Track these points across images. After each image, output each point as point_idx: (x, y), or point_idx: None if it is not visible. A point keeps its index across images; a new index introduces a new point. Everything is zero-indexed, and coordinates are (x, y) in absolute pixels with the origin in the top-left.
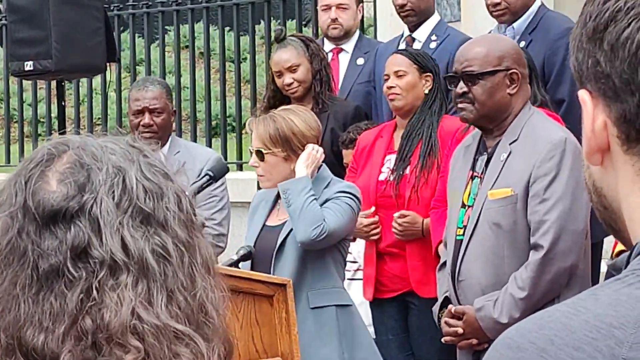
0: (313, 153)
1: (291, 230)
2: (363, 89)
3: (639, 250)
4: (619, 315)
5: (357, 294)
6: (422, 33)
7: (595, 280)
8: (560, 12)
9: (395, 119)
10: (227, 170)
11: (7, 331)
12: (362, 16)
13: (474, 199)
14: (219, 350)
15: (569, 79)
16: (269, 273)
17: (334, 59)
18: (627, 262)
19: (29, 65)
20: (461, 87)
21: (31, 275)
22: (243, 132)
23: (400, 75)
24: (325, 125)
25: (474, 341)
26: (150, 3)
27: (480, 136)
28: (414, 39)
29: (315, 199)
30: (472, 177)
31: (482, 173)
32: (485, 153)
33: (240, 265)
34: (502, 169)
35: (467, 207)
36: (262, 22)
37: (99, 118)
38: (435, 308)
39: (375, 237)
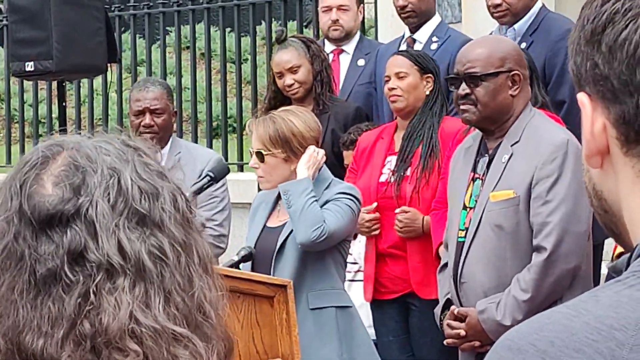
0: (314, 155)
1: (291, 231)
2: (364, 90)
3: (639, 251)
4: (619, 317)
5: (357, 295)
6: (423, 34)
7: (595, 282)
8: (561, 14)
9: (396, 120)
10: (228, 171)
11: (6, 336)
12: (363, 17)
13: (476, 200)
14: (218, 349)
15: (569, 81)
16: (269, 274)
17: (334, 60)
18: (628, 264)
19: (30, 66)
20: (463, 88)
21: (29, 280)
22: (244, 133)
23: (402, 77)
24: (325, 127)
25: (477, 343)
26: (151, 4)
27: (481, 137)
28: (414, 40)
29: (315, 200)
30: (474, 179)
31: (483, 175)
32: (486, 155)
33: (240, 266)
34: (503, 170)
35: (468, 209)
36: (263, 23)
37: (99, 119)
38: (437, 310)
39: (376, 233)
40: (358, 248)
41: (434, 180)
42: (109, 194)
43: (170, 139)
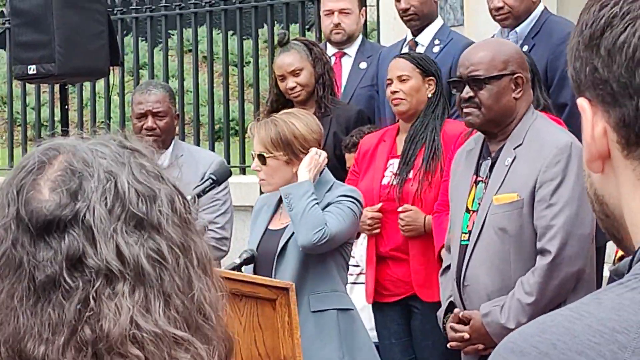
0: (315, 157)
1: (293, 234)
2: (366, 93)
3: None
4: (621, 320)
5: (359, 297)
6: (425, 37)
7: (598, 285)
8: (563, 17)
9: (397, 122)
10: (230, 174)
11: (7, 344)
12: (365, 20)
13: (479, 203)
14: (219, 350)
15: None
16: (271, 277)
17: (336, 62)
18: (630, 267)
19: (32, 69)
20: (467, 91)
21: (28, 287)
22: (246, 136)
23: (404, 80)
24: (327, 129)
25: (480, 346)
26: (153, 7)
27: (483, 140)
28: (417, 43)
29: (317, 203)
30: (476, 182)
31: (486, 178)
32: (489, 157)
33: (243, 269)
34: (507, 173)
35: (471, 212)
36: (265, 26)
37: (102, 121)
38: (440, 313)
39: (376, 232)
40: (360, 250)
41: (436, 183)
42: (106, 198)
43: (173, 142)
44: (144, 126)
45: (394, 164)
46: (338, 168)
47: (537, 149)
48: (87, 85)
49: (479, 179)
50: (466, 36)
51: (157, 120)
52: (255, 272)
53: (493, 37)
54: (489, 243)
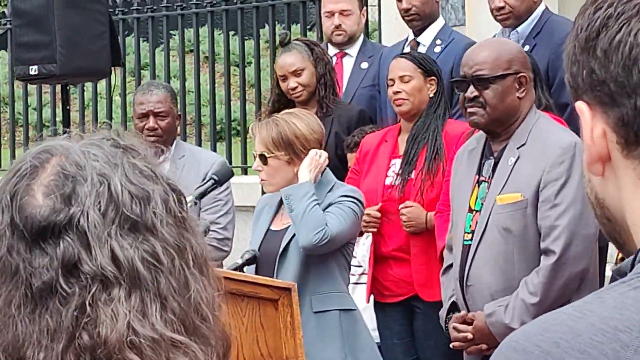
0: (316, 158)
1: (295, 234)
2: (367, 93)
3: None
4: (624, 319)
5: (361, 298)
6: (426, 37)
7: (600, 285)
8: (565, 16)
9: (399, 123)
10: (232, 174)
11: (7, 351)
12: (367, 20)
13: (482, 203)
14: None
15: None
16: (273, 277)
17: (338, 63)
18: (632, 266)
19: (33, 70)
20: (471, 91)
21: (25, 294)
22: (248, 136)
23: (406, 80)
24: (329, 129)
25: (484, 346)
26: (154, 7)
27: (485, 140)
28: (418, 43)
29: (317, 204)
30: (479, 182)
31: (489, 177)
32: (491, 157)
33: (245, 269)
34: (510, 173)
35: (474, 212)
36: (266, 26)
37: (103, 122)
38: (442, 313)
39: (373, 230)
40: (362, 251)
41: (439, 183)
42: (99, 202)
43: (174, 142)
44: (146, 126)
45: (396, 164)
46: (340, 168)
47: (540, 149)
48: (88, 85)
49: (481, 178)
50: (467, 36)
51: (159, 121)
52: (257, 273)
53: (494, 37)
54: (492, 243)
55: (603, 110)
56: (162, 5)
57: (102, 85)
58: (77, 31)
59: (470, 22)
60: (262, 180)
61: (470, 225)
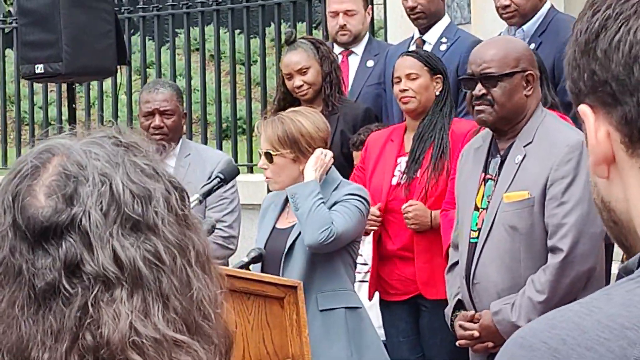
0: (321, 157)
1: (300, 232)
2: (373, 91)
3: None
4: (631, 316)
5: (367, 296)
6: (432, 35)
7: (606, 283)
8: (570, 15)
9: (404, 121)
10: (238, 172)
11: (11, 352)
12: (372, 18)
13: (488, 201)
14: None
15: None
16: (279, 275)
17: (343, 61)
18: (639, 263)
19: (39, 68)
20: (479, 89)
21: (29, 295)
22: (253, 134)
23: (413, 78)
24: (335, 128)
25: (490, 344)
26: (160, 6)
27: (492, 138)
28: (424, 42)
29: (323, 202)
30: (485, 180)
31: (495, 175)
32: (498, 155)
33: (250, 267)
34: (517, 171)
35: (480, 210)
36: (272, 24)
37: (109, 120)
38: (448, 311)
39: (373, 229)
40: (368, 249)
41: (443, 182)
42: (101, 202)
43: (180, 141)
44: (152, 125)
45: (402, 162)
46: (345, 166)
47: (547, 147)
48: (94, 84)
49: (487, 176)
50: (473, 34)
51: (165, 119)
52: (263, 271)
53: (500, 35)
54: (499, 241)
55: (606, 110)
56: (168, 4)
57: (107, 83)
58: (83, 30)
59: (476, 20)
60: (267, 178)
61: (476, 223)
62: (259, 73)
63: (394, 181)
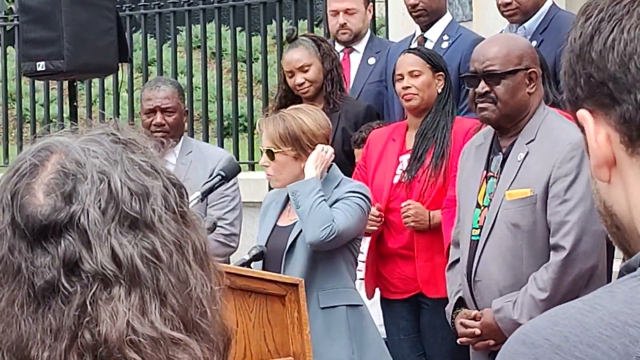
0: (322, 154)
1: (302, 230)
2: (374, 89)
3: None
4: (634, 314)
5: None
6: (434, 33)
7: (608, 281)
8: (572, 12)
9: (406, 119)
10: (239, 170)
11: (11, 351)
12: (374, 16)
13: (490, 199)
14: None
15: None
16: (280, 273)
17: (345, 58)
18: None
19: (41, 66)
20: (482, 86)
21: (28, 293)
22: (255, 132)
23: (416, 75)
24: (336, 125)
25: (491, 342)
26: (162, 3)
27: (493, 135)
28: (425, 39)
29: (324, 199)
30: (487, 177)
31: (497, 173)
32: (500, 153)
33: (252, 265)
34: (519, 169)
35: (482, 207)
36: (273, 22)
37: (111, 118)
38: (449, 309)
39: (373, 229)
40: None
41: (442, 182)
42: (100, 200)
43: (182, 138)
44: (153, 122)
45: (404, 160)
46: (347, 164)
47: (550, 145)
48: (95, 81)
49: (489, 174)
50: (475, 32)
51: (166, 117)
52: (264, 269)
53: (501, 32)
54: (501, 238)
55: (604, 112)
56: (169, 1)
57: (109, 81)
58: (85, 27)
59: (478, 17)
60: (269, 175)
61: (478, 221)
62: (261, 71)
63: (396, 180)
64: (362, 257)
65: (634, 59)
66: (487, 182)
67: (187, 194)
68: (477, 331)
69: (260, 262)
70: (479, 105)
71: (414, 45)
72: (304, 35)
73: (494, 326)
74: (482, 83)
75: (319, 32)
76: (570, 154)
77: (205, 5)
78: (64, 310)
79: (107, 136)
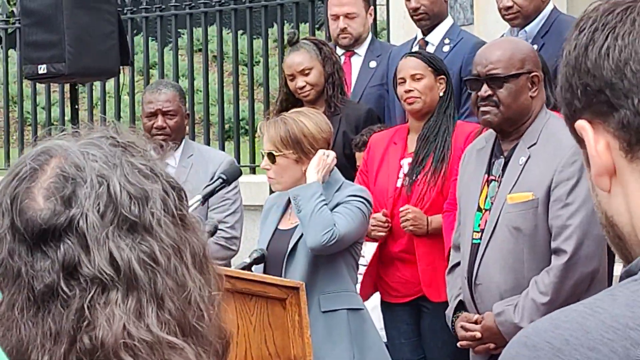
0: (324, 158)
1: (303, 234)
2: (375, 92)
3: None
4: (635, 317)
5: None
6: (435, 36)
7: (609, 285)
8: (573, 16)
9: (407, 122)
10: (240, 173)
11: (12, 355)
12: (375, 19)
13: (491, 202)
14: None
15: None
16: (281, 276)
17: (346, 62)
18: None
19: (42, 69)
20: (485, 90)
21: (28, 297)
22: (256, 135)
23: (418, 78)
24: (337, 128)
25: (492, 345)
26: (163, 6)
27: (495, 139)
28: (427, 43)
29: (325, 204)
30: (489, 181)
31: (499, 176)
32: (501, 156)
33: (253, 268)
34: (521, 172)
35: (483, 211)
36: (275, 25)
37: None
38: (449, 312)
39: (381, 234)
40: (370, 250)
41: (440, 186)
42: (98, 204)
43: (183, 141)
44: (154, 125)
45: (404, 164)
46: (348, 167)
47: (552, 149)
48: (97, 84)
49: (491, 177)
50: (476, 35)
51: (167, 120)
52: (265, 272)
53: (502, 36)
54: (502, 242)
55: (602, 120)
56: (171, 4)
57: (110, 84)
58: (86, 30)
59: (479, 21)
60: (270, 178)
61: (479, 224)
62: (262, 74)
63: (399, 183)
64: (362, 260)
65: (630, 64)
66: (488, 186)
67: (186, 197)
68: (478, 334)
69: (261, 265)
70: (482, 108)
71: (415, 48)
72: (305, 39)
73: (495, 330)
74: (485, 86)
75: (321, 35)
76: (572, 158)
77: (206, 9)
78: (63, 314)
79: (107, 139)
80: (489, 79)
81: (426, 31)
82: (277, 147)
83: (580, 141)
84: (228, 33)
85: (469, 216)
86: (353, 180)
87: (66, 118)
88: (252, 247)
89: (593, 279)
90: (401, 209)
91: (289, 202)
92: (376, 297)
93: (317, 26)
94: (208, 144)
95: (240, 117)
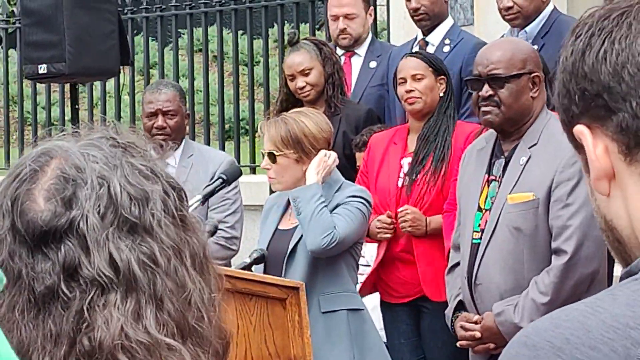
0: (324, 159)
1: (303, 234)
2: (376, 92)
3: None
4: (636, 316)
5: (369, 297)
6: (435, 37)
7: (609, 285)
8: (573, 17)
9: (407, 122)
10: (240, 173)
11: None
12: (375, 19)
13: (492, 202)
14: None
15: None
16: (281, 277)
17: (346, 62)
18: None
19: (42, 69)
20: (486, 90)
21: (29, 299)
22: (256, 135)
23: (419, 79)
24: (337, 129)
25: (491, 345)
26: (163, 6)
27: (495, 139)
28: (427, 43)
29: (325, 206)
30: (489, 181)
31: (499, 177)
32: (502, 156)
33: (253, 268)
34: (521, 173)
35: (483, 211)
36: (275, 25)
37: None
38: (449, 312)
39: (387, 236)
40: (370, 250)
41: (439, 186)
42: (99, 205)
43: (183, 141)
44: (154, 125)
45: (404, 164)
46: (348, 167)
47: (553, 149)
48: (97, 84)
49: (491, 177)
50: (476, 36)
51: (168, 119)
52: (265, 272)
53: (502, 36)
54: (502, 242)
55: (601, 124)
56: (171, 4)
57: (110, 84)
58: (86, 30)
59: (479, 21)
60: (270, 178)
61: (479, 224)
62: (262, 74)
63: (400, 183)
64: (362, 261)
65: (627, 67)
66: (488, 186)
67: (186, 198)
68: (477, 334)
69: (262, 265)
70: (483, 108)
71: (416, 49)
72: (305, 39)
73: (495, 329)
74: (486, 86)
75: (321, 35)
76: (573, 159)
77: (207, 9)
78: (63, 316)
79: (107, 140)
80: (490, 79)
81: (426, 31)
82: (278, 146)
83: (578, 147)
84: (228, 33)
85: (469, 216)
86: (353, 181)
87: (66, 118)
88: (252, 247)
89: (593, 279)
90: (400, 209)
91: (289, 202)
92: (376, 297)
93: (317, 26)
94: (208, 144)
95: (241, 117)
